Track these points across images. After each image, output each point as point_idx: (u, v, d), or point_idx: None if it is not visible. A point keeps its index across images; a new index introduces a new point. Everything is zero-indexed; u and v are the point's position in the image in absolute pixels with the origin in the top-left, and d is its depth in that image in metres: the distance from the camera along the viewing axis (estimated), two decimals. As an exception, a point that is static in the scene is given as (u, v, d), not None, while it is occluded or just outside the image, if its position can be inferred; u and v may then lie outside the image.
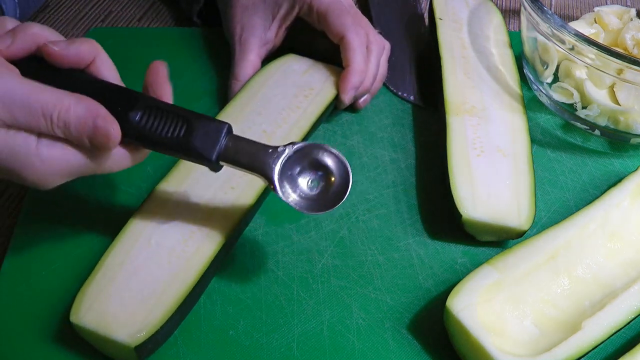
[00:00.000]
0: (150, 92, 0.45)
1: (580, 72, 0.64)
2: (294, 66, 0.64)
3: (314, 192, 0.43)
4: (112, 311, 0.44)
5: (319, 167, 0.43)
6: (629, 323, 0.47)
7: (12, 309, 0.49)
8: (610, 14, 0.70)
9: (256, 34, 0.65)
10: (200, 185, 0.53)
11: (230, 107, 0.60)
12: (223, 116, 0.58)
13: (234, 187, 0.53)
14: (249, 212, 0.52)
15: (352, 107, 0.66)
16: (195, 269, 0.47)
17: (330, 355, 0.47)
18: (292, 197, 0.42)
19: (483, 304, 0.47)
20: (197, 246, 0.49)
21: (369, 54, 0.63)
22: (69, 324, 0.45)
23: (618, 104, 0.63)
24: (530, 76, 0.68)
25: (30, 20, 0.75)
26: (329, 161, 0.43)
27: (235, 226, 0.51)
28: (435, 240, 0.55)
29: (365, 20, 0.65)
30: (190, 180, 0.53)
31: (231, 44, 0.67)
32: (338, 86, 0.61)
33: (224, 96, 0.65)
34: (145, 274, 0.47)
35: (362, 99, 0.65)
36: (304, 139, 0.59)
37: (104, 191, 0.57)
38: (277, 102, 0.60)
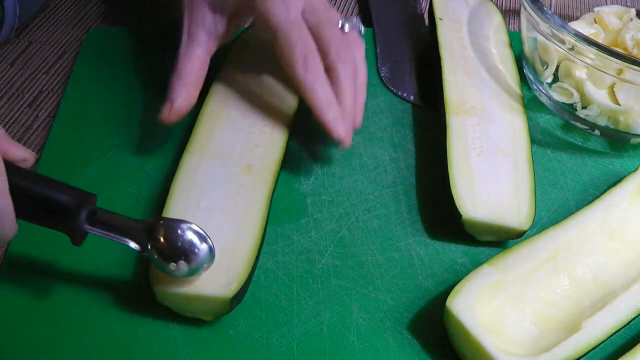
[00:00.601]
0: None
1: (580, 72, 0.64)
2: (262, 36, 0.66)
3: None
4: None
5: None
6: (629, 323, 0.47)
7: (13, 309, 0.49)
8: (610, 14, 0.70)
9: (206, 26, 0.57)
10: (225, 144, 0.55)
11: (227, 68, 0.61)
12: (218, 87, 0.60)
13: (258, 144, 0.56)
14: (279, 162, 0.56)
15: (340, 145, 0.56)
16: (256, 217, 0.50)
17: (330, 355, 0.47)
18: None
19: (483, 304, 0.47)
20: (248, 199, 0.51)
21: (336, 80, 0.54)
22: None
23: (618, 104, 0.63)
24: (530, 76, 0.68)
25: (30, 20, 0.75)
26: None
27: (276, 168, 0.54)
28: (435, 240, 0.55)
29: (327, 29, 0.55)
30: (213, 141, 0.55)
31: (180, 35, 0.59)
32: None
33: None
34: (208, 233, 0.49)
35: (348, 139, 0.55)
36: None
37: (104, 191, 0.57)
38: (267, 69, 0.62)
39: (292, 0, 0.54)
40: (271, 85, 0.61)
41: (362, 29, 0.58)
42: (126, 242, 0.44)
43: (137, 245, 0.44)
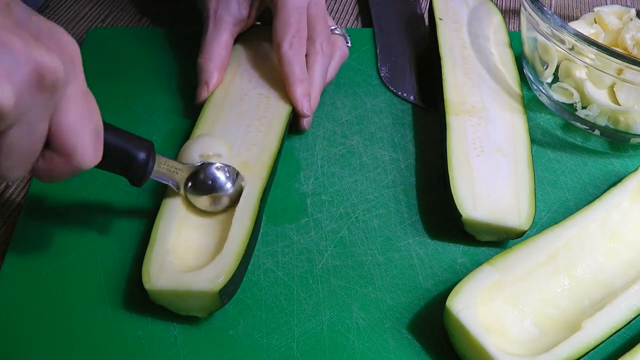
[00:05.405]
0: None
1: (580, 72, 0.64)
2: (263, 34, 0.67)
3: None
4: (182, 269, 0.47)
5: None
6: (629, 323, 0.47)
7: (12, 309, 0.49)
8: (610, 14, 0.70)
9: (231, 11, 0.63)
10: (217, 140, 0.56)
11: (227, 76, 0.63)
12: (216, 93, 0.61)
13: (254, 143, 0.56)
14: (276, 160, 0.57)
15: (297, 129, 0.63)
16: (248, 212, 0.50)
17: (330, 355, 0.47)
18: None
19: (483, 304, 0.47)
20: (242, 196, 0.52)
21: (312, 66, 0.61)
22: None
23: (618, 104, 0.63)
24: (530, 76, 0.68)
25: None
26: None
27: (271, 163, 0.55)
28: (435, 240, 0.55)
29: (320, 24, 0.62)
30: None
31: (204, 16, 0.64)
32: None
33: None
34: (200, 230, 0.51)
35: (306, 121, 0.62)
36: None
37: (104, 191, 0.57)
38: (259, 66, 0.64)
39: None
40: (269, 85, 0.62)
41: (349, 42, 0.68)
42: (171, 183, 0.51)
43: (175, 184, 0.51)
